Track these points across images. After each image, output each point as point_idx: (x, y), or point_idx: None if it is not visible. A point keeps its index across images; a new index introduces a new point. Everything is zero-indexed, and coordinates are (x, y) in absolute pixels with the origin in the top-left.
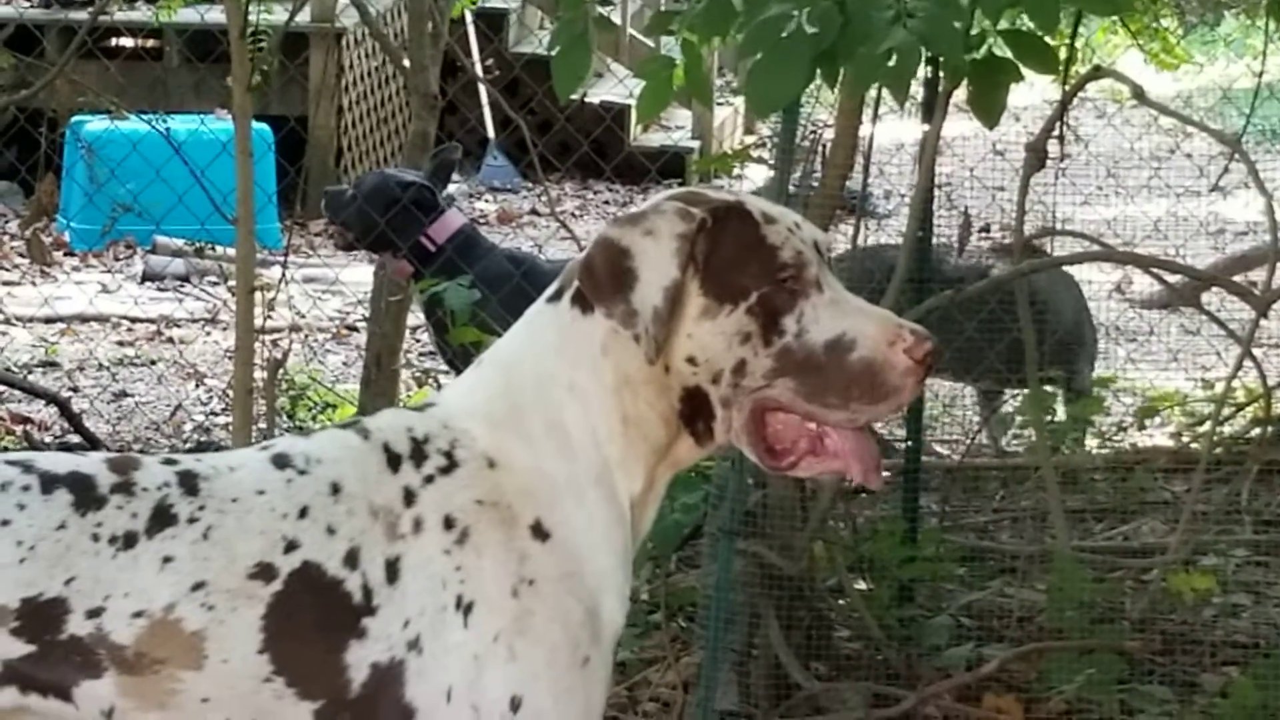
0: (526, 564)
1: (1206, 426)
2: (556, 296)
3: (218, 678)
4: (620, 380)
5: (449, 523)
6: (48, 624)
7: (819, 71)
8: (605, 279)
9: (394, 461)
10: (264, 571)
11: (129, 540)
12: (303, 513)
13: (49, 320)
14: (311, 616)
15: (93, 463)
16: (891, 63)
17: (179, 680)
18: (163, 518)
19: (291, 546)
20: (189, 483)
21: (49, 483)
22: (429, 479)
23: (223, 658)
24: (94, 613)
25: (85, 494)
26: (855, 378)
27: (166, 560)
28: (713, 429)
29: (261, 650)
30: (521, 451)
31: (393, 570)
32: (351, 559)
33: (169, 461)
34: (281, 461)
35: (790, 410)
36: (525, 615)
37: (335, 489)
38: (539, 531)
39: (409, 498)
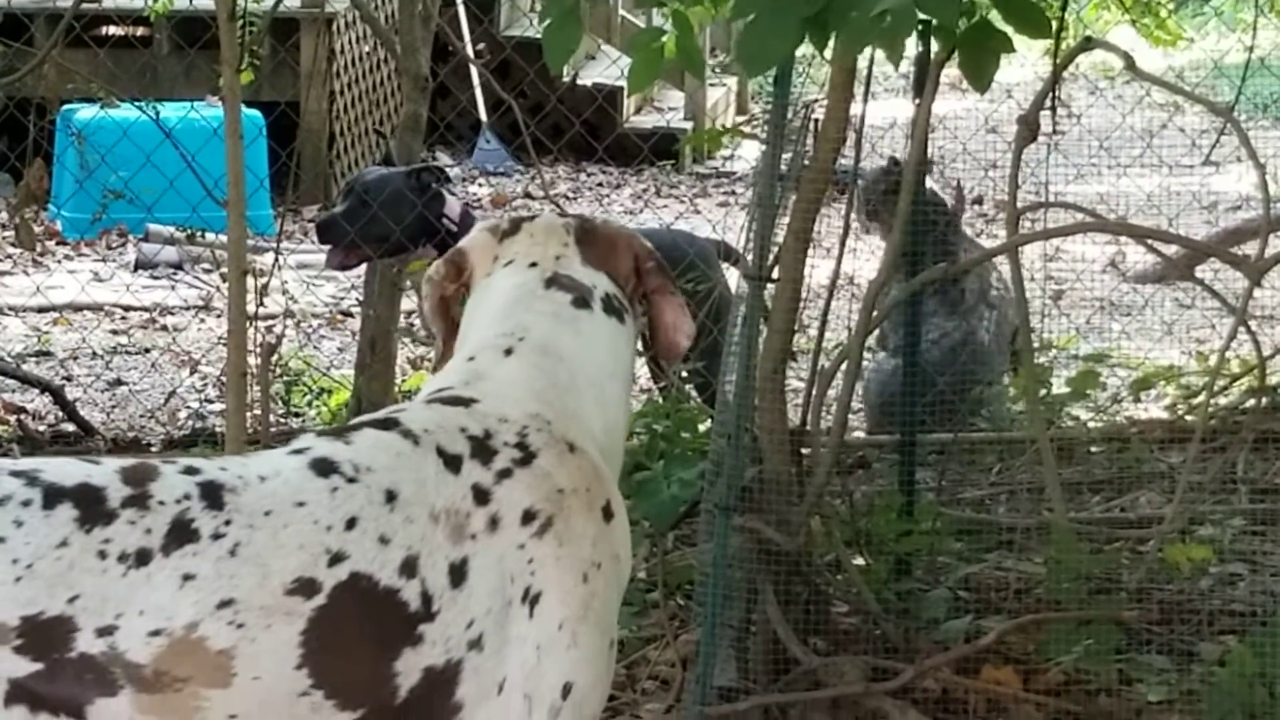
0: (598, 547)
1: (1202, 398)
2: (584, 304)
3: (248, 694)
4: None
5: (528, 516)
6: (54, 642)
7: (808, 38)
8: None
9: (453, 463)
10: (304, 587)
11: (142, 557)
12: (350, 524)
13: (42, 309)
14: (360, 628)
15: (105, 473)
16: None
17: (204, 698)
18: (182, 534)
19: (337, 559)
20: (212, 495)
21: (52, 497)
22: (504, 473)
23: (254, 675)
24: (105, 631)
25: (92, 509)
26: None
27: (187, 578)
28: None
29: (299, 665)
30: (588, 437)
31: (458, 573)
32: (409, 567)
33: (190, 470)
34: (324, 468)
35: None
36: (591, 599)
37: (390, 497)
38: (608, 513)
39: (481, 496)
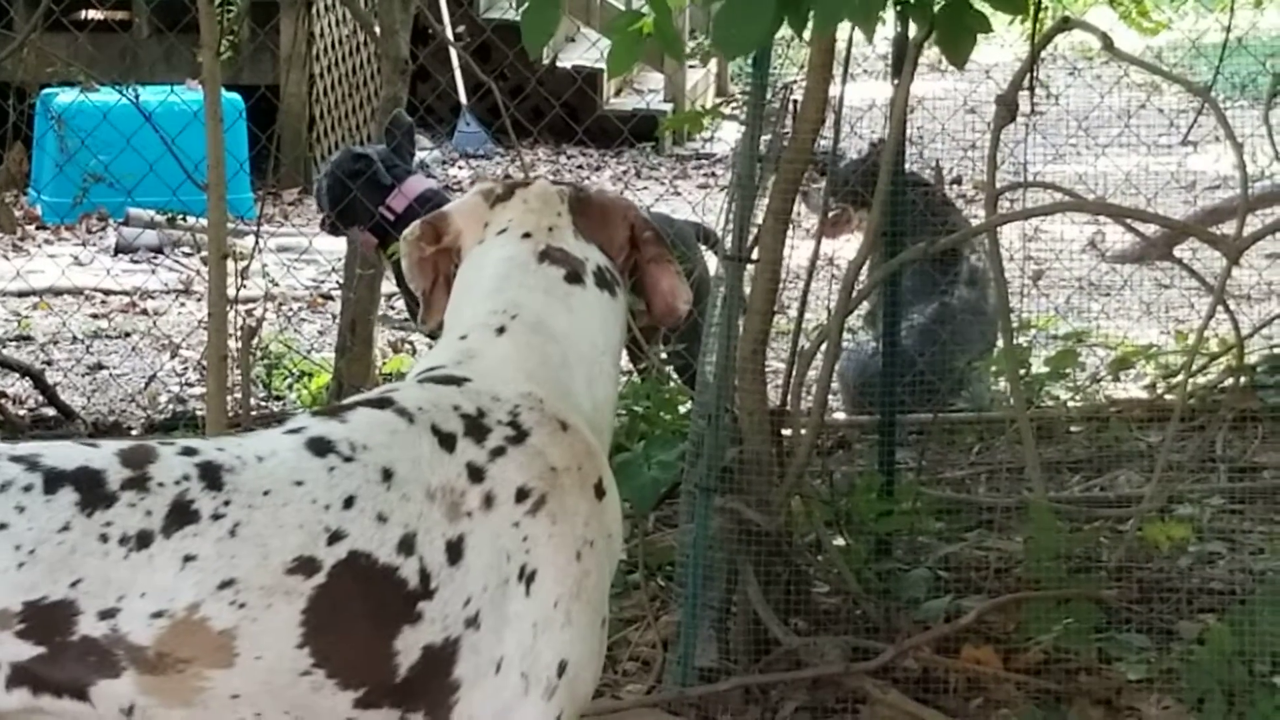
0: (590, 525)
1: (1180, 377)
2: (577, 279)
3: (250, 674)
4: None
5: (522, 494)
6: (56, 626)
7: (785, 20)
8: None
9: (448, 441)
10: (304, 566)
11: (143, 539)
12: (348, 502)
13: (22, 294)
14: (360, 607)
15: (104, 456)
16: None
17: (206, 678)
18: (182, 515)
19: (336, 538)
20: (211, 475)
21: (53, 481)
22: (498, 451)
23: (256, 655)
24: (107, 614)
25: (92, 492)
26: None
27: (188, 559)
28: None
29: (301, 645)
30: (579, 415)
31: (455, 551)
32: (407, 545)
33: (189, 451)
34: (321, 448)
35: None
36: (584, 577)
37: (387, 475)
38: (600, 491)
39: (476, 474)
